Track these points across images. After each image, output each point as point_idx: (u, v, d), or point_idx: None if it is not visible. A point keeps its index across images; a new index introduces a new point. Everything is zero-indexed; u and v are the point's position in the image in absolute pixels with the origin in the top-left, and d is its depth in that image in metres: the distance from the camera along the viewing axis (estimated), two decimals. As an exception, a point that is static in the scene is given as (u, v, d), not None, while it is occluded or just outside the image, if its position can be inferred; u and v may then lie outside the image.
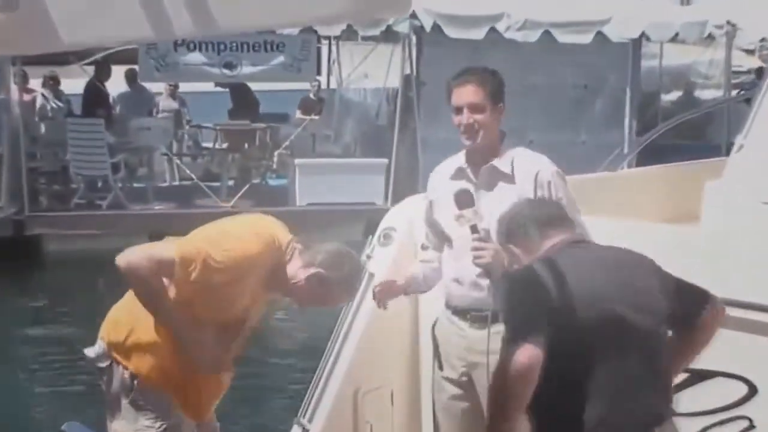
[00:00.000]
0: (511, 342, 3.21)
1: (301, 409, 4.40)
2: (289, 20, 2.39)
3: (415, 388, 4.72)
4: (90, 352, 4.09)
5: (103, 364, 4.06)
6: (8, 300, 12.80)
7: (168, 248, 3.89)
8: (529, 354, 3.14)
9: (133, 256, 3.83)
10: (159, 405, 3.99)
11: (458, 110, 4.07)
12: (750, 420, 3.79)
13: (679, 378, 3.89)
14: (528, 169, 4.04)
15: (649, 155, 13.21)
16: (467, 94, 4.04)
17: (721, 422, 3.85)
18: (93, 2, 2.06)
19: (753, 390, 3.78)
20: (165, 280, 3.87)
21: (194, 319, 3.92)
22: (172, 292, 3.89)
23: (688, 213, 5.22)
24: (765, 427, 3.76)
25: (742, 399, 3.80)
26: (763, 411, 3.77)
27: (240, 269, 3.84)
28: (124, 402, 4.03)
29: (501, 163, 4.07)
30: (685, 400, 3.90)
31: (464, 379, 4.14)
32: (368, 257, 4.66)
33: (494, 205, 3.94)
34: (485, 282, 3.95)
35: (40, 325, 11.59)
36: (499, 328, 3.91)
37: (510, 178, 4.05)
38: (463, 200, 3.93)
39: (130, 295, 4.01)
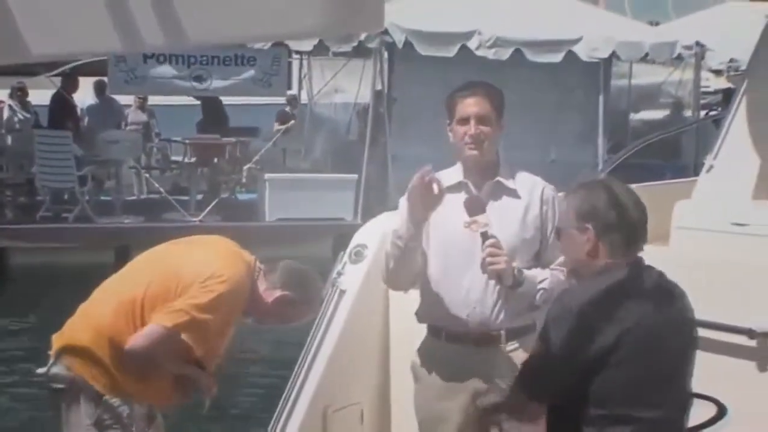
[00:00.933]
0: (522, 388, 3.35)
1: (270, 426, 4.37)
2: (260, 34, 2.39)
3: (386, 406, 4.70)
4: (46, 370, 4.07)
5: (62, 385, 4.03)
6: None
7: (166, 329, 3.91)
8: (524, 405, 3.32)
9: (143, 349, 3.92)
10: (124, 418, 3.99)
11: (464, 121, 4.00)
12: (719, 440, 3.81)
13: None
14: (532, 186, 4.05)
15: (620, 174, 13.32)
16: (475, 104, 3.99)
17: (691, 443, 3.85)
18: (61, 13, 2.05)
19: (722, 411, 3.80)
20: None
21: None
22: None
23: (657, 234, 5.25)
24: (734, 448, 3.78)
25: (711, 420, 3.82)
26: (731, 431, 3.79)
27: (231, 307, 3.96)
28: (88, 423, 3.99)
29: (505, 178, 4.05)
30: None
31: (467, 408, 4.06)
32: (339, 274, 4.64)
33: (502, 217, 3.95)
34: (490, 292, 3.94)
35: (2, 340, 11.46)
36: (511, 347, 3.97)
37: (515, 194, 4.03)
38: (475, 207, 3.90)
39: (85, 311, 4.01)
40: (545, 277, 3.94)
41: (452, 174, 4.11)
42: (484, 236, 3.83)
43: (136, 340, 3.90)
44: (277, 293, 3.99)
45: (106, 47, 2.27)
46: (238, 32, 2.20)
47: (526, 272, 3.91)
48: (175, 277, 3.95)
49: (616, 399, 3.21)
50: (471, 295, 3.98)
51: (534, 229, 4.01)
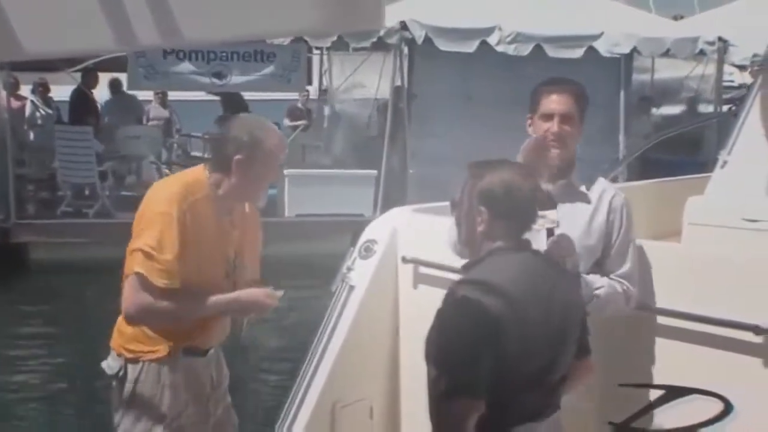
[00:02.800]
0: (452, 395, 3.22)
1: (279, 422, 4.40)
2: (257, 32, 2.39)
3: (395, 402, 4.72)
4: (105, 365, 4.11)
5: (115, 371, 4.05)
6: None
7: (131, 281, 3.89)
8: (466, 409, 3.18)
9: (133, 309, 3.90)
10: (157, 400, 3.99)
11: (548, 117, 3.93)
12: (725, 437, 3.81)
13: (654, 394, 3.93)
14: (603, 193, 3.96)
15: (642, 169, 13.28)
16: (560, 102, 3.92)
17: (697, 439, 3.86)
18: (55, 11, 2.06)
19: (728, 407, 3.80)
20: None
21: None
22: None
23: (670, 230, 5.25)
24: (739, 445, 3.78)
25: (717, 416, 3.81)
26: (738, 428, 3.78)
27: (169, 224, 3.83)
28: (126, 399, 4.02)
29: (576, 181, 3.98)
30: (659, 417, 3.93)
31: None
32: (349, 269, 4.66)
33: (569, 220, 3.87)
34: None
35: (25, 330, 11.57)
36: None
37: (586, 198, 3.96)
38: (545, 202, 3.86)
39: None
40: (602, 285, 3.85)
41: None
42: (550, 232, 3.75)
43: (123, 304, 3.92)
44: (233, 167, 3.92)
45: (104, 46, 2.28)
46: (235, 30, 2.20)
47: (584, 277, 3.81)
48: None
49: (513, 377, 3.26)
50: None
51: (598, 236, 3.91)
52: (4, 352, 11.06)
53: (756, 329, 3.69)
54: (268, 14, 2.10)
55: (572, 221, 3.88)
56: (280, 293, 4.08)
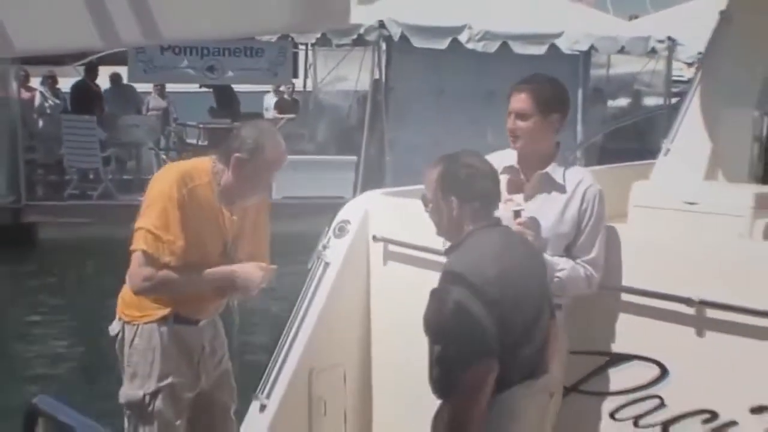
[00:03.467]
0: (469, 361, 3.22)
1: (259, 386, 4.39)
2: (231, 31, 2.39)
3: (366, 368, 4.72)
4: (110, 327, 4.14)
5: (115, 332, 4.09)
6: (6, 282, 12.76)
7: (136, 257, 3.90)
8: (486, 371, 3.20)
9: (139, 283, 3.91)
10: (146, 363, 4.00)
11: (509, 114, 3.93)
12: (661, 399, 3.83)
13: (600, 360, 3.95)
14: (579, 183, 3.89)
15: (600, 156, 13.30)
16: (516, 101, 3.89)
17: (636, 401, 3.88)
18: (42, 10, 2.05)
19: (664, 371, 3.82)
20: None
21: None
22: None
23: (617, 211, 5.26)
24: (674, 405, 3.79)
25: (654, 380, 3.83)
26: (673, 391, 3.80)
27: (167, 206, 3.85)
28: (124, 360, 4.05)
29: (554, 172, 3.91)
30: (604, 380, 3.96)
31: None
32: (324, 247, 4.66)
33: (542, 208, 3.86)
34: None
35: (35, 304, 11.55)
36: None
37: (561, 188, 3.90)
38: (512, 186, 3.86)
39: None
40: (564, 268, 3.81)
41: (507, 157, 4.00)
42: (516, 214, 3.74)
43: (129, 277, 3.93)
44: (231, 162, 3.92)
45: (87, 44, 2.28)
46: (211, 29, 2.20)
47: (548, 258, 3.77)
48: None
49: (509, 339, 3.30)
50: None
51: (571, 224, 3.85)
52: (17, 321, 11.05)
53: (689, 301, 3.72)
54: (245, 14, 2.10)
55: (547, 209, 3.86)
56: (273, 268, 4.09)
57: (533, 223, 3.75)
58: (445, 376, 3.32)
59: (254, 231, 4.21)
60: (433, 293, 3.36)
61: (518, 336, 3.32)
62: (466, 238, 3.40)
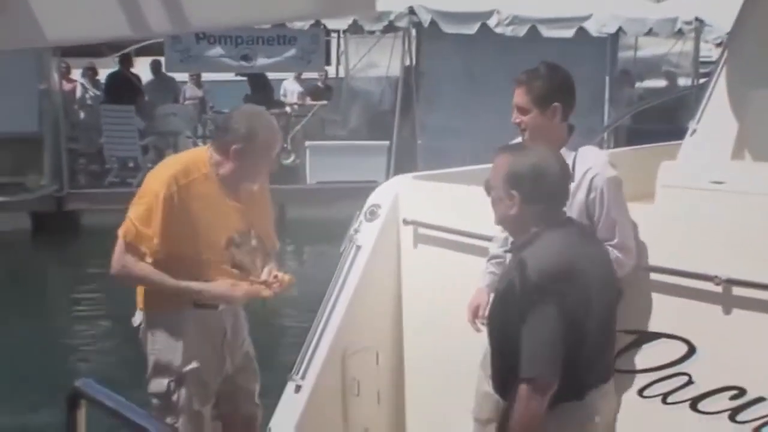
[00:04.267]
0: (534, 377, 3.16)
1: (294, 367, 4.40)
2: (258, 17, 2.37)
3: (398, 349, 4.72)
4: (133, 319, 4.17)
5: (138, 323, 4.13)
6: (52, 266, 12.91)
7: (119, 243, 3.94)
8: (545, 389, 3.15)
9: (116, 268, 3.96)
10: (169, 350, 4.01)
11: (513, 108, 3.95)
12: (689, 376, 3.80)
13: (628, 339, 3.92)
14: (586, 171, 3.83)
15: (629, 138, 13.20)
16: (516, 96, 3.91)
17: (664, 378, 3.85)
18: (74, 1, 2.05)
19: (692, 349, 3.79)
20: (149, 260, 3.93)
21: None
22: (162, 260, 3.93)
23: (644, 191, 5.21)
24: (702, 382, 3.76)
25: (682, 357, 3.80)
26: (700, 368, 3.77)
27: (155, 201, 3.86)
28: (148, 350, 4.06)
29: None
30: (633, 358, 3.93)
31: None
32: (356, 231, 4.65)
33: None
34: None
35: (79, 288, 11.67)
36: None
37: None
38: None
39: None
40: None
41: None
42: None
43: (112, 262, 3.97)
44: (230, 154, 3.93)
45: (117, 33, 2.27)
46: (237, 16, 2.18)
47: None
48: None
49: (585, 344, 3.23)
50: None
51: (578, 211, 3.78)
52: (61, 304, 11.18)
53: (716, 279, 3.68)
54: (273, 1, 2.08)
55: None
56: (287, 277, 4.11)
57: None
58: (503, 380, 3.27)
59: (261, 221, 4.20)
60: (503, 296, 3.28)
61: (593, 342, 3.22)
62: (533, 239, 3.27)
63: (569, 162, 3.80)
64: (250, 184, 4.07)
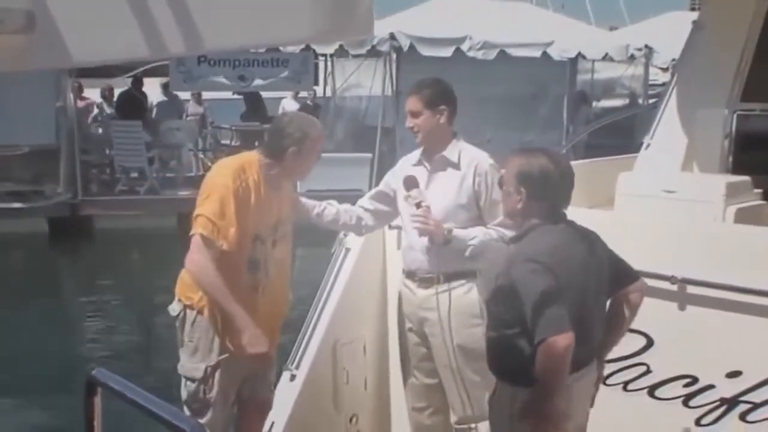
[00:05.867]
0: (548, 331, 3.04)
1: (289, 358, 4.36)
2: (269, 40, 2.34)
3: (384, 340, 4.68)
4: (170, 308, 4.03)
5: (176, 313, 3.99)
6: (67, 267, 12.83)
7: (195, 241, 3.80)
8: (567, 340, 3.03)
9: (189, 267, 3.81)
10: (207, 339, 3.91)
11: (406, 116, 4.12)
12: (647, 366, 3.79)
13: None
14: (471, 160, 4.03)
15: (586, 151, 13.24)
16: (408, 103, 4.09)
17: (625, 368, 3.85)
18: (97, 25, 2.02)
19: (650, 342, 3.79)
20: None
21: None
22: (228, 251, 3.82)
23: (604, 199, 5.22)
24: (658, 371, 3.76)
25: (641, 349, 3.80)
26: (657, 359, 3.77)
27: (225, 193, 3.78)
28: (185, 338, 3.96)
29: (449, 154, 4.05)
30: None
31: (420, 330, 4.14)
32: (345, 234, 4.62)
33: (443, 186, 4.02)
34: (428, 247, 3.97)
35: (92, 286, 11.59)
36: (442, 288, 3.95)
37: (456, 166, 4.03)
38: (410, 183, 3.97)
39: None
40: (476, 235, 3.92)
41: (417, 152, 4.19)
42: (418, 206, 3.90)
43: (187, 258, 3.82)
44: (288, 157, 3.89)
45: (135, 54, 2.24)
46: (248, 39, 2.15)
47: (457, 232, 3.91)
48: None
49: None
50: (416, 246, 4.05)
51: (467, 196, 3.98)
52: (75, 303, 11.10)
53: (672, 279, 3.68)
54: (278, 25, 2.05)
55: (446, 186, 4.02)
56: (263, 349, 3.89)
57: (428, 212, 3.89)
58: (519, 351, 3.15)
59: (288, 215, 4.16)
60: (505, 277, 3.22)
61: (576, 327, 3.13)
62: (527, 232, 3.27)
63: (454, 157, 4.03)
64: (303, 177, 4.13)
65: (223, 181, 3.84)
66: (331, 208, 4.28)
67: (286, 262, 4.12)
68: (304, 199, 4.27)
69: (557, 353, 3.03)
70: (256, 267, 3.93)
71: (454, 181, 4.01)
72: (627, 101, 18.78)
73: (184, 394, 3.98)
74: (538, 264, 3.11)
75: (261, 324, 3.88)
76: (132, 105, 15.43)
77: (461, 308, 4.00)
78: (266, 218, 3.95)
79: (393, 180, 4.26)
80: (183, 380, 4.00)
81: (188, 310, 3.95)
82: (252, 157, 3.99)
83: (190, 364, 3.96)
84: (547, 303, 3.09)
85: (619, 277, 3.35)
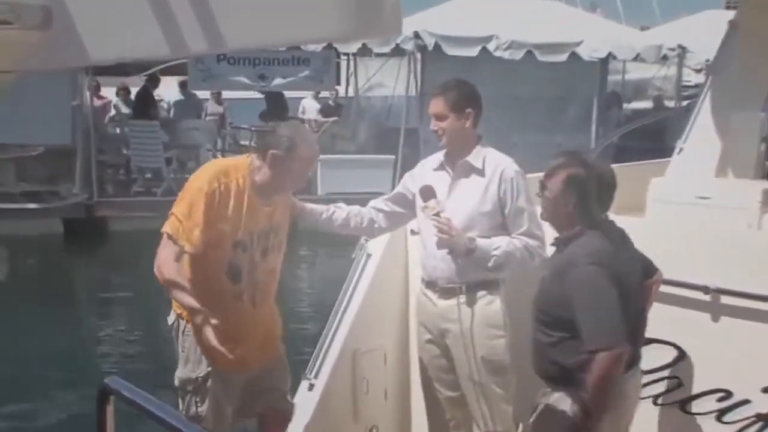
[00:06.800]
0: (608, 341, 3.15)
1: (308, 367, 4.35)
2: (295, 38, 2.34)
3: (405, 350, 4.67)
4: (168, 317, 4.06)
5: (171, 322, 4.01)
6: (81, 269, 12.89)
7: (164, 239, 3.81)
8: (622, 355, 3.15)
9: (156, 265, 3.79)
10: (196, 349, 3.90)
11: (430, 119, 4.10)
12: (679, 379, 3.76)
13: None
14: (496, 167, 4.00)
15: (616, 155, 13.18)
16: (432, 105, 4.07)
17: (656, 380, 3.82)
18: (115, 22, 2.02)
19: (682, 354, 3.76)
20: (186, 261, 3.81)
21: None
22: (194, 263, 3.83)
23: (635, 205, 5.18)
24: (690, 384, 3.73)
25: (673, 361, 3.77)
26: (690, 371, 3.74)
27: (197, 198, 3.75)
28: (179, 347, 3.98)
29: (474, 160, 4.03)
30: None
31: (441, 341, 4.12)
32: (366, 240, 4.60)
33: (466, 193, 3.99)
34: (449, 257, 3.96)
35: (107, 289, 11.66)
36: (464, 299, 3.93)
37: (481, 172, 4.01)
38: (427, 194, 3.95)
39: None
40: (499, 245, 3.90)
41: (439, 155, 4.17)
42: (437, 216, 3.88)
43: (159, 266, 3.80)
44: (268, 155, 3.82)
45: (152, 53, 2.24)
46: (273, 37, 2.15)
47: (480, 242, 3.89)
48: None
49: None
50: (437, 255, 4.03)
51: (492, 203, 3.95)
52: (90, 306, 11.16)
53: (705, 289, 3.65)
54: (302, 24, 2.05)
55: (469, 193, 3.99)
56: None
57: (449, 222, 3.87)
58: (572, 357, 3.24)
59: (282, 223, 4.12)
60: (551, 283, 3.31)
61: (629, 328, 3.25)
62: (578, 235, 3.36)
63: (478, 163, 3.99)
64: (284, 191, 3.98)
65: (197, 184, 3.83)
66: (340, 212, 4.25)
67: (277, 273, 4.08)
68: (310, 205, 4.23)
69: (613, 365, 3.12)
70: (238, 275, 3.90)
71: (478, 188, 3.98)
72: (652, 103, 18.64)
73: (179, 405, 3.99)
74: (602, 268, 3.20)
75: (252, 335, 3.91)
76: (149, 105, 15.50)
77: (484, 320, 3.98)
78: (250, 225, 3.90)
79: (412, 183, 4.25)
80: (177, 391, 4.01)
81: (180, 320, 3.97)
82: (242, 160, 3.96)
83: (182, 375, 3.98)
84: (607, 310, 3.16)
85: (647, 268, 3.49)
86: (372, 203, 4.35)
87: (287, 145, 3.83)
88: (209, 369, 3.92)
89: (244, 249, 3.91)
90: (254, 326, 3.97)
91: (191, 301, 3.72)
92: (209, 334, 3.67)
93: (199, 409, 3.94)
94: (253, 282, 3.93)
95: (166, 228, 3.81)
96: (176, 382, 4.01)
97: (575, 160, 3.40)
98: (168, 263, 3.77)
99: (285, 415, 4.14)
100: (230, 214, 3.85)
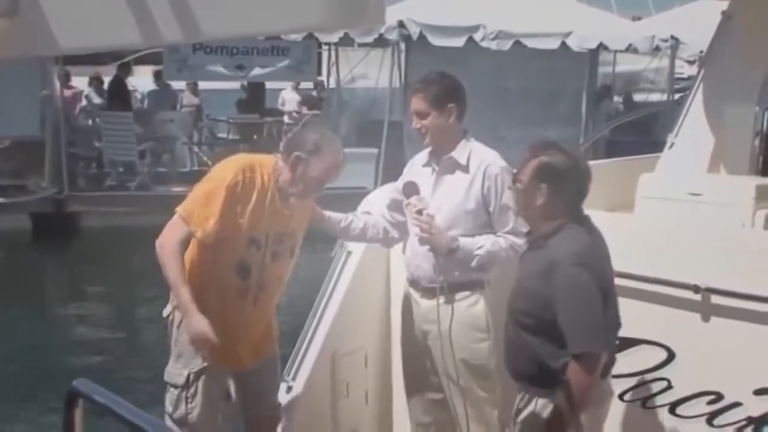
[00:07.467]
0: (589, 345, 3.18)
1: (286, 369, 4.35)
2: (270, 28, 2.32)
3: (387, 351, 4.66)
4: (164, 310, 4.03)
5: (167, 314, 3.99)
6: (51, 267, 12.84)
7: (174, 218, 3.80)
8: (605, 357, 3.19)
9: (160, 242, 3.77)
10: (189, 347, 3.88)
11: (411, 116, 4.08)
12: (668, 381, 3.78)
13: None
14: (480, 163, 3.99)
15: (607, 149, 13.22)
16: (413, 103, 4.04)
17: (645, 382, 3.83)
18: (86, 9, 2.00)
19: (671, 355, 3.77)
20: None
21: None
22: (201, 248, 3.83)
23: (624, 202, 5.20)
24: (681, 387, 3.75)
25: (662, 363, 3.79)
26: (679, 373, 3.76)
27: (218, 187, 3.76)
28: (172, 341, 3.96)
29: (458, 155, 4.02)
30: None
31: (423, 342, 4.12)
32: (346, 236, 4.60)
33: (450, 190, 3.99)
34: (431, 254, 3.95)
35: (77, 288, 11.60)
36: (443, 300, 3.94)
37: (465, 168, 4.00)
38: (409, 190, 3.95)
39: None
40: (482, 244, 3.90)
41: (426, 152, 4.16)
42: (419, 213, 3.87)
43: (164, 242, 3.79)
44: (292, 157, 3.81)
45: (127, 42, 2.23)
46: (252, 26, 2.14)
47: (463, 241, 3.89)
48: None
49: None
50: (419, 253, 4.03)
51: (476, 201, 3.94)
52: (61, 305, 11.11)
53: (695, 288, 3.66)
54: (283, 12, 2.04)
55: (453, 190, 3.99)
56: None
57: (431, 220, 3.87)
58: (552, 359, 3.24)
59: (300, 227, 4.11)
60: (529, 280, 3.30)
61: (610, 325, 3.29)
62: (557, 230, 3.30)
63: (463, 159, 3.98)
64: (303, 196, 3.93)
65: (221, 174, 3.85)
66: (357, 221, 4.27)
67: (284, 279, 4.07)
68: (329, 213, 4.23)
69: (594, 369, 3.14)
70: (247, 272, 3.90)
71: (462, 185, 3.98)
72: (643, 96, 18.71)
73: (166, 402, 3.97)
74: (586, 269, 3.18)
75: (246, 335, 3.91)
76: (121, 95, 15.45)
77: (466, 322, 3.97)
78: (267, 224, 3.90)
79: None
80: (167, 387, 4.00)
81: (176, 312, 3.94)
82: (268, 159, 3.97)
83: (174, 370, 3.97)
84: (591, 313, 3.16)
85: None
86: (380, 211, 4.31)
87: (311, 149, 3.82)
88: (204, 365, 3.90)
89: (258, 247, 3.91)
90: (252, 325, 3.98)
91: (184, 294, 3.72)
92: (188, 307, 3.69)
93: (189, 407, 3.92)
94: (260, 282, 3.93)
95: (181, 209, 3.81)
96: (166, 377, 3.99)
97: (548, 149, 3.34)
98: (170, 244, 3.76)
99: (274, 418, 4.15)
100: (250, 210, 3.84)
